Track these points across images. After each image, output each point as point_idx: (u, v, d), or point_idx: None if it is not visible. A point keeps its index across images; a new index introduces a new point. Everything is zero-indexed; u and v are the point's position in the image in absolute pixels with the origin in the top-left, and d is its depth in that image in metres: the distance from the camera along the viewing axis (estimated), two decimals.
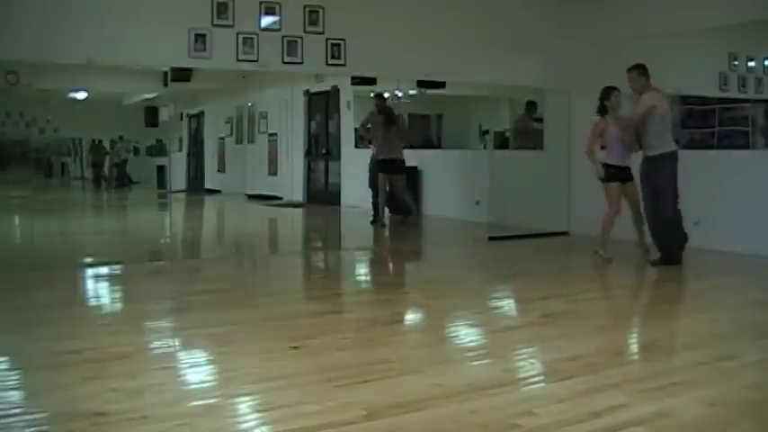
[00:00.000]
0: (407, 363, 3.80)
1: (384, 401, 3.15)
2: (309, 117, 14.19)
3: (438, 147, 14.01)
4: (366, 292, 6.54)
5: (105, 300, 5.90)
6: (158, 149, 17.85)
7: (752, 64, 11.11)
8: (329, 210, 12.29)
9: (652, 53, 9.35)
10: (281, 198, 14.41)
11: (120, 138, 17.84)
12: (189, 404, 3.18)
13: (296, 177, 14.30)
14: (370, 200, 10.34)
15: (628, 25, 8.47)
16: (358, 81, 10.56)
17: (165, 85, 11.86)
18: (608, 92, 6.97)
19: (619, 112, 6.93)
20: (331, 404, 3.13)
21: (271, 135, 15.64)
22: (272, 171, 15.57)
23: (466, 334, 4.67)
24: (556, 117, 9.33)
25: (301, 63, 7.62)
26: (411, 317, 5.30)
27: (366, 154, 10.33)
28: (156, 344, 4.28)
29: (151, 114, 16.89)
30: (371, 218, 10.23)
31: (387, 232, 9.91)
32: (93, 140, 17.77)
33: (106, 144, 18.02)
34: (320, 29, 7.66)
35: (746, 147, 9.07)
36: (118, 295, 6.08)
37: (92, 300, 5.95)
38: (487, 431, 2.88)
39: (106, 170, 18.12)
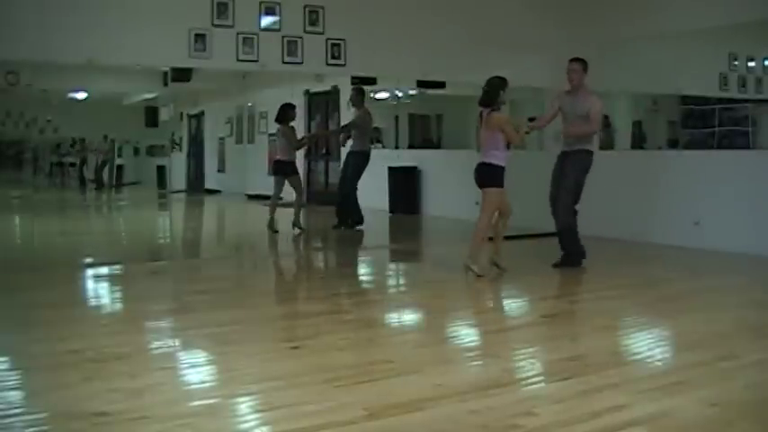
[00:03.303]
0: (407, 363, 3.80)
1: (384, 401, 3.15)
2: (309, 117, 14.18)
3: (438, 147, 14.02)
4: (366, 292, 6.53)
5: (105, 300, 5.90)
6: (170, 148, 17.84)
7: (752, 64, 11.11)
8: (329, 210, 12.29)
9: (652, 53, 9.36)
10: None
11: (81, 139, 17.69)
12: (189, 404, 3.18)
13: None
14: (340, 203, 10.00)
15: (628, 26, 8.47)
16: (358, 81, 10.55)
17: (165, 85, 11.87)
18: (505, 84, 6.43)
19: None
20: (331, 404, 3.13)
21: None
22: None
23: (466, 334, 4.67)
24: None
25: (301, 63, 7.62)
26: (411, 317, 5.30)
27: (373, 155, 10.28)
28: (156, 344, 4.28)
29: (151, 114, 16.89)
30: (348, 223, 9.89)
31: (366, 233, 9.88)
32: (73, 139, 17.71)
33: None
34: (320, 29, 7.66)
35: (746, 147, 9.07)
36: (118, 295, 6.08)
37: (92, 300, 5.94)
38: (487, 431, 2.89)
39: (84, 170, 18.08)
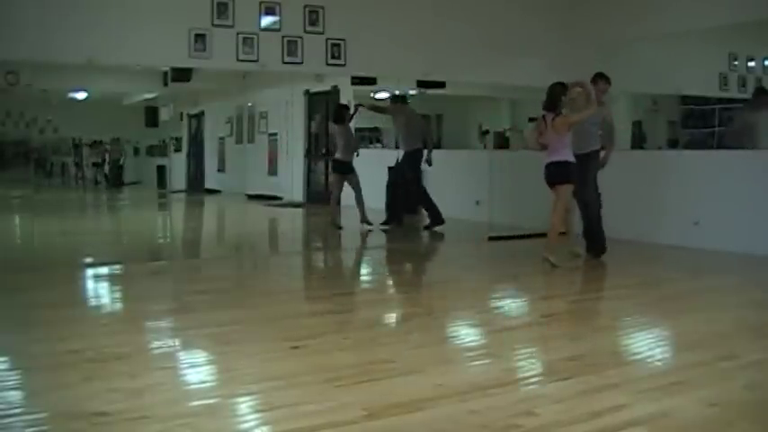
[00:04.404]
0: (408, 363, 3.80)
1: (384, 401, 3.15)
2: (309, 117, 14.18)
3: (438, 147, 14.01)
4: (366, 291, 6.54)
5: (105, 300, 5.90)
6: (166, 147, 17.92)
7: (752, 64, 11.13)
8: (329, 210, 12.28)
9: (652, 53, 9.36)
10: (281, 198, 14.41)
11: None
12: (189, 404, 3.18)
13: (296, 177, 14.29)
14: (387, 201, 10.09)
15: (629, 26, 8.47)
16: (358, 81, 10.55)
17: (165, 85, 11.85)
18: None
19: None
20: (331, 404, 3.13)
21: (271, 135, 15.64)
22: (272, 171, 15.57)
23: (466, 334, 4.67)
24: None
25: (301, 63, 7.63)
26: (411, 317, 5.29)
27: (368, 154, 10.30)
28: (156, 344, 4.28)
29: (151, 114, 16.88)
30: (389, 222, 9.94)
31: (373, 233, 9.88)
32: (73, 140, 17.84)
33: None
34: (320, 29, 7.66)
35: (753, 147, 9.05)
36: (118, 295, 6.08)
37: (92, 300, 5.94)
38: (487, 431, 2.89)
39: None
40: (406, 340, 4.48)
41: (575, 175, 6.69)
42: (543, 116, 6.77)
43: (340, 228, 9.69)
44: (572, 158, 6.67)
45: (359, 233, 9.71)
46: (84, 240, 9.89)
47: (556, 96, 6.69)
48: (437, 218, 9.70)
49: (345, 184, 9.82)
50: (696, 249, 7.53)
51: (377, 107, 11.16)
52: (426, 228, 9.80)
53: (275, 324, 4.69)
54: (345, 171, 9.79)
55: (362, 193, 9.80)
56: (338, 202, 9.96)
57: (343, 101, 12.77)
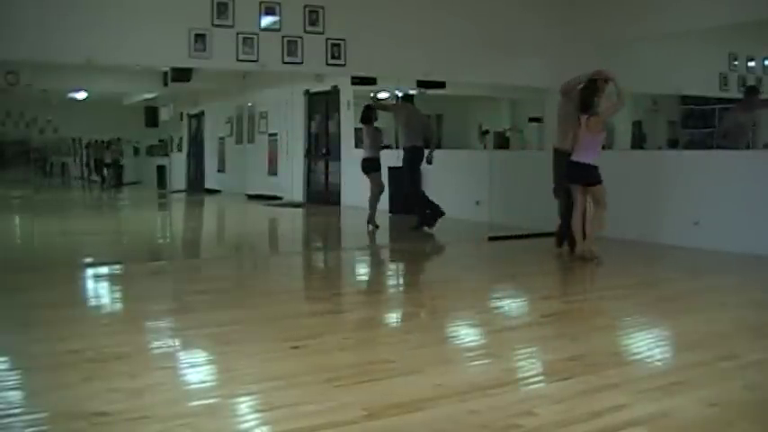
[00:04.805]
0: (408, 363, 3.80)
1: (384, 401, 3.15)
2: (309, 117, 14.17)
3: (438, 147, 14.00)
4: (366, 291, 6.53)
5: (105, 300, 5.90)
6: (165, 147, 17.92)
7: (752, 64, 11.13)
8: (329, 210, 12.28)
9: (652, 53, 9.36)
10: (281, 198, 14.42)
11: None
12: (189, 404, 3.18)
13: (296, 177, 14.30)
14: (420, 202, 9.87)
15: (629, 26, 8.47)
16: (358, 81, 10.56)
17: (165, 85, 11.86)
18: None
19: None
20: (331, 404, 3.14)
21: (271, 135, 15.64)
22: (272, 171, 15.57)
23: (466, 334, 4.67)
24: (556, 117, 9.32)
25: (301, 63, 7.63)
26: (411, 317, 5.29)
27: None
28: (156, 344, 4.28)
29: (151, 114, 16.87)
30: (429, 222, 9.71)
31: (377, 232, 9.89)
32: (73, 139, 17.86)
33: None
34: (320, 29, 7.66)
35: (746, 147, 9.06)
36: (118, 295, 6.08)
37: (92, 300, 5.94)
38: (487, 431, 2.89)
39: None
40: (406, 340, 4.49)
41: (599, 177, 6.87)
42: (579, 117, 7.02)
43: (376, 227, 9.71)
44: (593, 162, 6.87)
45: (358, 233, 9.71)
46: (84, 240, 9.88)
47: (587, 97, 6.96)
48: (425, 220, 9.65)
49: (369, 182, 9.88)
50: (696, 249, 7.53)
51: (380, 105, 11.19)
52: (414, 228, 9.74)
53: (275, 324, 4.69)
54: (368, 169, 9.87)
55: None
56: (377, 200, 9.95)
57: (343, 100, 12.81)
